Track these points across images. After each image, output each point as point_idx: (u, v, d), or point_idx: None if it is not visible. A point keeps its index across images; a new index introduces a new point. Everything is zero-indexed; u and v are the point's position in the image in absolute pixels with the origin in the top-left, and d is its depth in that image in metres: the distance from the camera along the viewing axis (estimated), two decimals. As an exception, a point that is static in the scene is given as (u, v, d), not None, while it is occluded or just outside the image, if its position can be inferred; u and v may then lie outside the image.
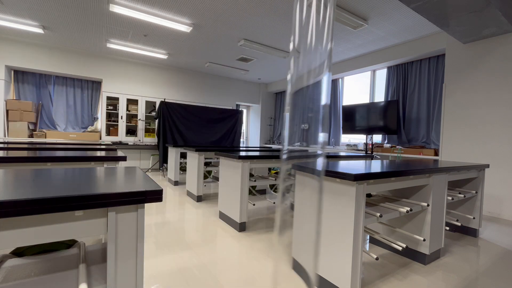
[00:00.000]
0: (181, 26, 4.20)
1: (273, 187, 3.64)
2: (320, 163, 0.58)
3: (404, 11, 3.56)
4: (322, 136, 0.57)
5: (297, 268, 1.76)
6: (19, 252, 0.94)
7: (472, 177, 2.61)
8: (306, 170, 1.56)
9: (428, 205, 1.89)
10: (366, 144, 5.12)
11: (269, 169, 4.53)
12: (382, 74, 5.43)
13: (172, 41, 5.02)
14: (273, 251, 2.06)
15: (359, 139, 6.08)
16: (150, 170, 6.35)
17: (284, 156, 0.58)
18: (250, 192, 4.22)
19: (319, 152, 0.58)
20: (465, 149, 3.68)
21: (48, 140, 5.41)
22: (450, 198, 2.22)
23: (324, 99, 0.57)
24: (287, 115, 0.58)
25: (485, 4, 2.66)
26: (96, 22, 4.29)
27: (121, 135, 6.24)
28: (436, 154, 4.20)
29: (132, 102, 6.46)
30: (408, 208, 1.70)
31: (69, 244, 1.03)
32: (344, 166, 1.71)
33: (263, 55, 5.65)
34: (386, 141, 5.28)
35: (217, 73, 7.31)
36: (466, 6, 2.73)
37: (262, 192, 4.38)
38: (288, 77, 0.57)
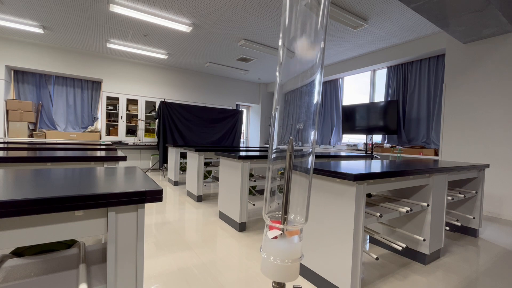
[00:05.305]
0: (181, 26, 4.20)
1: (273, 187, 3.64)
2: (309, 161, 0.58)
3: (404, 11, 3.56)
4: (312, 134, 0.57)
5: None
6: (19, 252, 0.94)
7: (472, 177, 2.61)
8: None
9: (428, 205, 1.89)
10: (366, 144, 5.11)
11: (269, 169, 4.52)
12: (382, 74, 5.43)
13: (172, 41, 5.02)
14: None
15: (359, 139, 6.08)
16: (150, 170, 6.35)
17: (274, 156, 0.58)
18: (250, 192, 4.22)
19: (309, 150, 0.58)
20: (465, 149, 3.68)
21: (48, 140, 5.41)
22: (450, 198, 2.21)
23: (316, 97, 0.57)
24: (276, 115, 0.58)
25: (485, 4, 2.66)
26: (96, 22, 4.29)
27: (121, 135, 6.24)
28: (436, 154, 4.20)
29: (132, 102, 6.46)
30: (408, 208, 1.70)
31: (69, 244, 1.03)
32: (344, 166, 1.71)
33: (263, 55, 5.65)
34: (386, 141, 5.28)
35: (217, 73, 7.31)
36: (466, 6, 2.73)
37: (262, 192, 4.38)
38: (278, 79, 0.58)
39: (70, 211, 0.69)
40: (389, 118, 4.75)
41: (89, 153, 1.93)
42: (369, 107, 5.12)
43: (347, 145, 6.05)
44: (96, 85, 6.19)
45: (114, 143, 6.00)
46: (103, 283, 0.77)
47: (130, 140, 6.37)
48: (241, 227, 2.53)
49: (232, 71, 7.01)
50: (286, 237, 0.53)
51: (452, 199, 2.23)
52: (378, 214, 1.56)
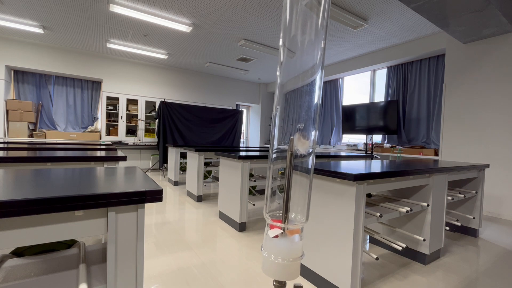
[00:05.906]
0: (181, 26, 4.20)
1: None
2: (310, 161, 0.58)
3: (404, 11, 3.56)
4: (312, 134, 0.58)
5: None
6: (19, 252, 0.94)
7: (472, 177, 2.61)
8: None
9: (428, 205, 1.89)
10: (366, 144, 5.11)
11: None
12: (382, 74, 5.44)
13: (172, 41, 5.02)
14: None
15: (359, 139, 6.08)
16: (150, 170, 6.35)
17: (274, 156, 0.58)
18: (250, 192, 4.22)
19: (310, 150, 0.58)
20: (465, 149, 3.68)
21: (48, 140, 5.41)
22: (450, 198, 2.21)
23: (316, 97, 0.57)
24: (277, 115, 0.58)
25: (485, 4, 2.66)
26: (96, 22, 4.29)
27: (121, 135, 6.24)
28: (436, 154, 4.20)
29: (132, 102, 6.46)
30: (408, 208, 1.70)
31: (69, 244, 1.03)
32: (344, 166, 1.71)
33: (263, 55, 5.65)
34: (386, 141, 5.28)
35: (217, 73, 7.31)
36: (466, 6, 2.73)
37: (262, 192, 4.38)
38: (278, 78, 0.58)
39: (70, 211, 0.69)
40: (389, 118, 4.75)
41: (89, 153, 1.93)
42: (369, 107, 5.12)
43: (347, 145, 6.05)
44: (96, 85, 6.19)
45: (114, 143, 5.99)
46: (103, 283, 0.77)
47: (130, 140, 6.37)
48: (241, 227, 2.53)
49: (232, 71, 7.00)
50: (287, 236, 0.53)
51: (452, 199, 2.23)
52: (378, 214, 1.56)
